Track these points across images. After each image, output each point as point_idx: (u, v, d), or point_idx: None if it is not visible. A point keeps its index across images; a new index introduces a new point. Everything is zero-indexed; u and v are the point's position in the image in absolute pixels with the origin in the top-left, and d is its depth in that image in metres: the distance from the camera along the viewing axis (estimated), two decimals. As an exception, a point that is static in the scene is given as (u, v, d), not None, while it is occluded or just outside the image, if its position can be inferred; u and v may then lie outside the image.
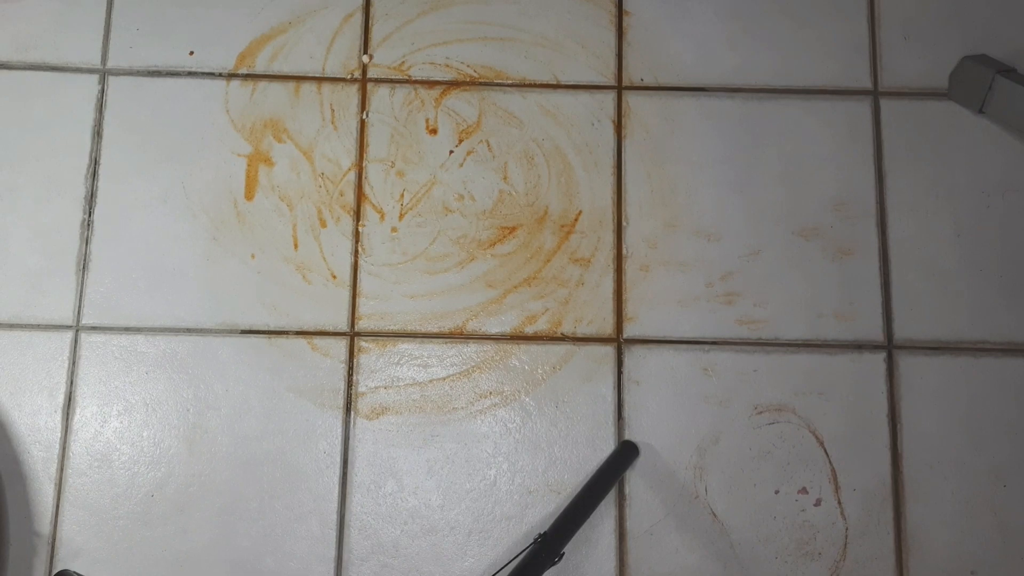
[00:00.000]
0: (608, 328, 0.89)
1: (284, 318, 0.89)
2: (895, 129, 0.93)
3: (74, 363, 0.88)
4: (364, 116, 0.93)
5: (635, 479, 0.87)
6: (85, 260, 0.90)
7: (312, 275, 0.90)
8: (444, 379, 0.88)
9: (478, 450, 0.87)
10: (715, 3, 0.96)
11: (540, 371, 0.89)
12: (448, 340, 0.89)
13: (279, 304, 0.89)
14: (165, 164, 0.92)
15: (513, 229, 0.91)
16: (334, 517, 0.86)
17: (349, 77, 0.94)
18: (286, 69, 0.94)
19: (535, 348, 0.89)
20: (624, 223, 0.91)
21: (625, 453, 0.86)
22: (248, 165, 0.92)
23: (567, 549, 0.77)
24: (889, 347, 0.89)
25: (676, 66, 0.95)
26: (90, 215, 0.91)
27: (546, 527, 0.79)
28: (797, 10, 0.96)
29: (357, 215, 0.91)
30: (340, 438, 0.87)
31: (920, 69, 0.95)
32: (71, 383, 0.88)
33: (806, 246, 0.91)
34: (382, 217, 0.91)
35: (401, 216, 0.91)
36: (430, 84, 0.94)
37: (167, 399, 0.87)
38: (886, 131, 0.93)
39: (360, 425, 0.87)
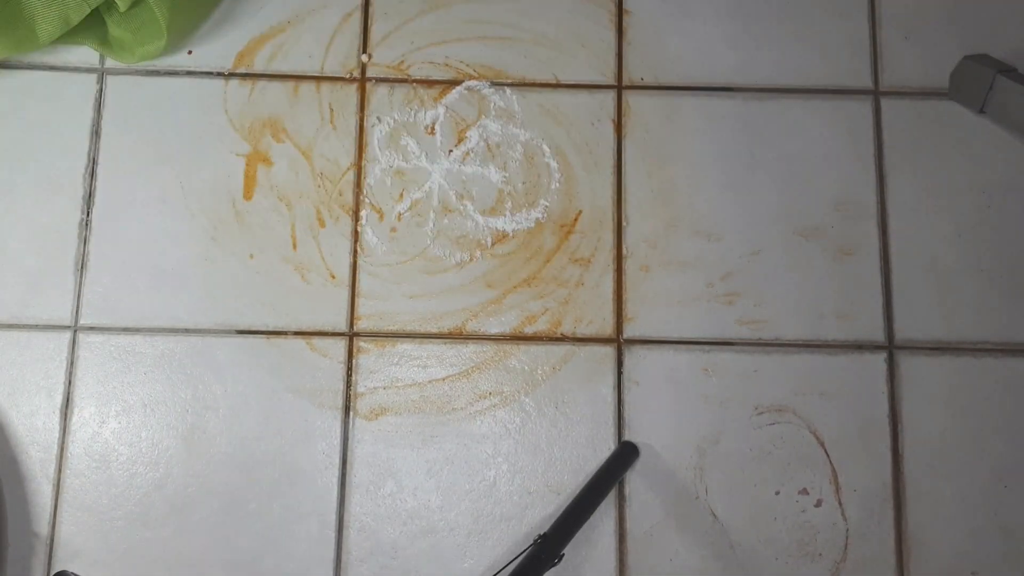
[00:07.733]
0: (608, 328, 0.89)
1: (283, 318, 0.89)
2: (895, 129, 0.93)
3: (72, 363, 0.88)
4: (363, 115, 0.93)
5: (635, 480, 0.86)
6: (83, 260, 0.89)
7: (311, 275, 0.90)
8: (443, 379, 0.88)
9: (477, 451, 0.87)
10: (715, 3, 0.96)
11: (540, 371, 0.88)
12: (447, 340, 0.89)
13: (278, 304, 0.89)
14: (163, 164, 0.91)
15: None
16: (333, 518, 0.85)
17: (348, 76, 0.94)
18: (285, 68, 0.94)
19: (535, 348, 0.89)
20: (624, 223, 0.91)
21: (625, 454, 0.86)
22: (247, 165, 0.92)
23: (567, 550, 0.77)
24: (890, 347, 0.89)
25: (676, 66, 0.95)
26: (88, 215, 0.90)
27: (546, 528, 0.78)
28: (797, 9, 0.96)
29: (356, 215, 0.91)
30: (339, 439, 0.87)
31: (920, 69, 0.95)
32: (69, 383, 0.87)
33: (806, 246, 0.91)
34: (381, 217, 0.91)
35: (400, 216, 0.91)
36: (429, 83, 0.94)
37: (165, 400, 0.87)
38: (886, 131, 0.93)
39: (359, 426, 0.87)
